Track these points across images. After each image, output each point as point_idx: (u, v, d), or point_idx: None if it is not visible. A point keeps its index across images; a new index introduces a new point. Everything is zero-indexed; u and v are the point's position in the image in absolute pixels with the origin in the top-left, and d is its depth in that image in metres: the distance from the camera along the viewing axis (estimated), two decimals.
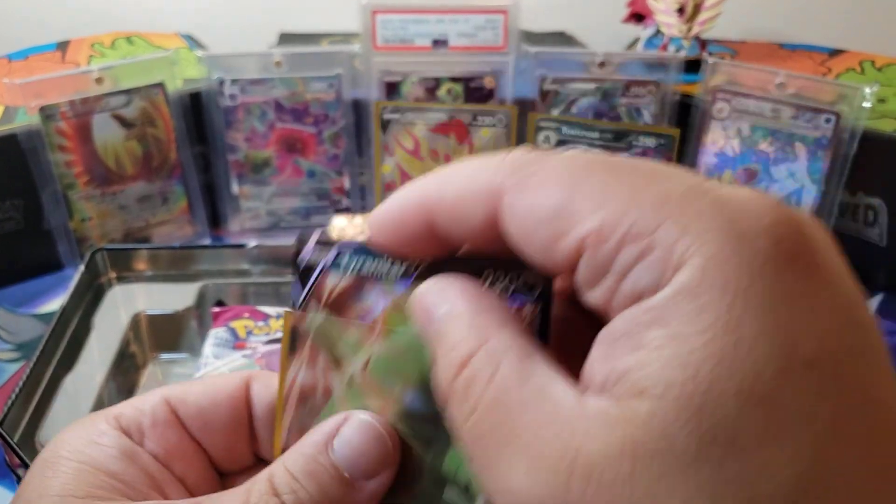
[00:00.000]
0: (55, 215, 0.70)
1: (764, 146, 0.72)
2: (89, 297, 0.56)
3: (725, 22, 0.78)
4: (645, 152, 0.64)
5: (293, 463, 0.25)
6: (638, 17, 0.84)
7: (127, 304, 0.56)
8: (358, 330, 0.26)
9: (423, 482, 0.26)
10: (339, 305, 0.27)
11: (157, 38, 0.89)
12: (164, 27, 0.94)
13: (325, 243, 0.27)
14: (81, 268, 0.55)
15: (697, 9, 0.75)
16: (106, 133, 0.71)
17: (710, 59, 0.72)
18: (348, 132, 0.76)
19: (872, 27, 1.01)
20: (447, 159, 0.68)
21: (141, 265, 0.58)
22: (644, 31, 0.85)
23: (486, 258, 0.25)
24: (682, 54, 0.73)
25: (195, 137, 0.75)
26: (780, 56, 0.85)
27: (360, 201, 0.79)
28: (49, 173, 0.69)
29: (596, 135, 0.64)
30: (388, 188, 0.69)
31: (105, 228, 0.73)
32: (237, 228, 0.78)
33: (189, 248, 0.58)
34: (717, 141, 0.73)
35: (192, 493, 0.28)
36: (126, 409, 0.28)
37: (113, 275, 0.58)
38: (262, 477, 0.25)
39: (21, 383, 0.46)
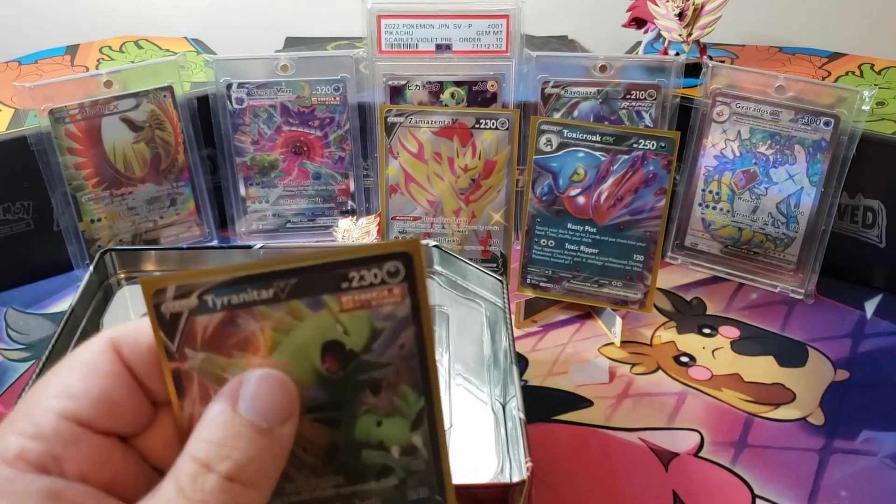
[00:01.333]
0: (65, 217, 0.71)
1: (763, 149, 0.72)
2: (98, 297, 0.57)
3: (725, 26, 0.78)
4: (645, 155, 0.64)
5: (210, 434, 0.26)
6: (639, 21, 0.85)
7: (136, 304, 0.57)
8: (241, 358, 0.28)
9: (342, 455, 0.30)
10: (216, 339, 0.28)
11: (165, 42, 0.90)
12: (173, 31, 0.95)
13: (184, 293, 0.28)
14: (91, 268, 0.56)
15: (697, 13, 0.76)
16: (115, 136, 0.72)
17: (710, 63, 0.73)
18: (353, 135, 0.77)
19: (871, 31, 1.02)
20: (450, 162, 0.69)
21: (149, 266, 0.59)
22: (645, 36, 0.85)
23: (346, 261, 0.28)
24: (683, 58, 0.74)
25: (203, 140, 0.76)
26: (780, 60, 0.85)
27: (365, 203, 0.80)
28: (59, 175, 0.70)
29: (597, 138, 0.65)
30: (392, 190, 0.70)
31: (114, 230, 0.74)
32: (244, 230, 0.79)
33: (196, 248, 0.59)
34: (717, 144, 0.74)
35: (134, 485, 0.27)
36: (20, 442, 0.26)
37: (122, 275, 0.58)
38: (183, 461, 0.25)
39: (31, 382, 0.47)
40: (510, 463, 0.45)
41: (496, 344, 0.54)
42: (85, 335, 0.53)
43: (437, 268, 0.58)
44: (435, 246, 0.58)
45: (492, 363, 0.53)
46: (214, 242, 0.78)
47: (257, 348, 0.29)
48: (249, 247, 0.57)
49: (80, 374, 0.27)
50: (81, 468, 0.26)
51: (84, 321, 0.54)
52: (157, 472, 0.28)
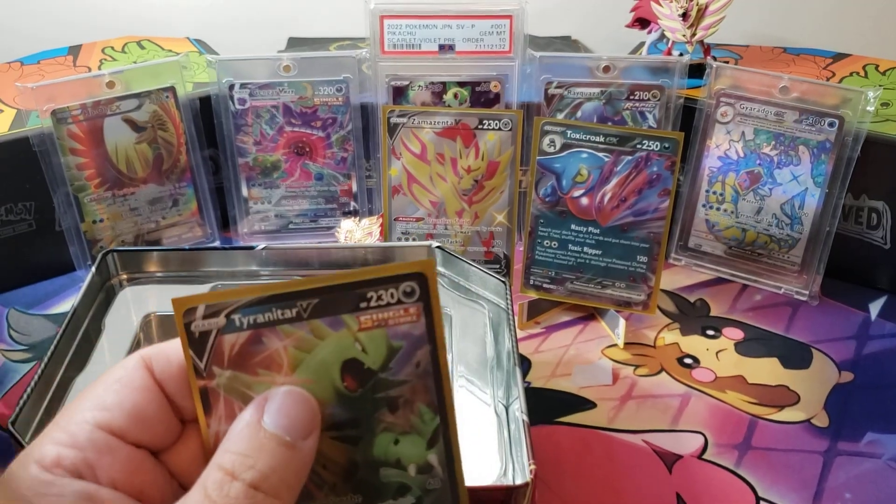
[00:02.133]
0: (67, 217, 0.71)
1: (767, 150, 0.72)
2: (100, 298, 0.56)
3: (729, 26, 0.78)
4: (649, 156, 0.64)
5: (236, 445, 0.27)
6: (642, 22, 0.85)
7: (138, 305, 0.57)
8: (265, 376, 0.30)
9: (360, 472, 0.31)
10: (242, 357, 0.30)
11: (167, 42, 0.90)
12: (175, 32, 0.95)
13: (213, 312, 0.29)
14: (93, 269, 0.56)
15: (701, 13, 0.76)
16: (117, 136, 0.72)
17: (714, 64, 0.73)
18: (356, 136, 0.77)
19: (876, 31, 1.02)
20: (453, 163, 0.69)
21: (151, 267, 0.58)
22: (648, 36, 0.85)
23: (364, 281, 0.29)
24: (686, 59, 0.74)
25: (205, 141, 0.76)
26: (784, 60, 0.85)
27: (368, 204, 0.80)
28: (61, 176, 0.70)
29: (600, 139, 0.65)
30: (395, 191, 0.70)
31: (116, 230, 0.74)
32: (246, 231, 0.79)
33: (199, 249, 0.59)
34: (721, 144, 0.74)
35: (161, 497, 0.29)
36: (57, 449, 0.27)
37: (124, 276, 0.58)
38: (210, 470, 0.27)
39: (33, 383, 0.46)
40: (513, 465, 0.45)
41: (499, 345, 0.53)
42: (87, 336, 0.53)
43: (440, 269, 0.58)
44: (438, 247, 0.57)
45: (494, 365, 0.52)
46: (216, 243, 0.78)
47: (280, 366, 0.30)
48: (252, 247, 0.57)
49: (114, 389, 0.29)
50: (113, 476, 0.28)
51: (86, 322, 0.54)
52: (183, 488, 0.29)
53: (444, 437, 0.32)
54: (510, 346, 0.50)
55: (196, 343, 0.30)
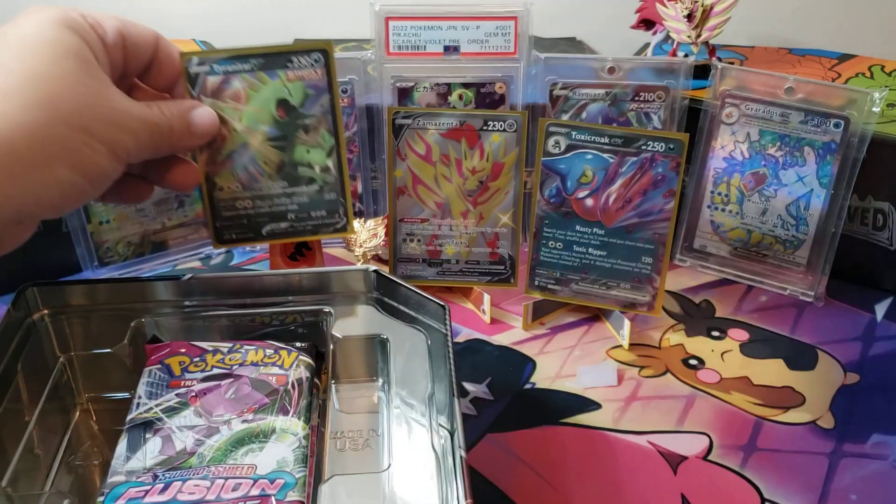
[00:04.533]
0: (73, 218, 0.72)
1: (773, 150, 0.72)
2: (19, 335, 0.51)
3: (734, 27, 0.78)
4: (654, 157, 0.64)
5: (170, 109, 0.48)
6: (647, 23, 0.85)
7: (59, 342, 0.53)
8: (231, 104, 0.52)
9: (286, 168, 0.54)
10: (218, 91, 0.51)
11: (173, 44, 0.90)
12: (180, 34, 0.95)
13: (201, 62, 0.51)
14: (9, 306, 0.51)
15: (706, 15, 0.76)
16: None
17: (719, 65, 0.73)
18: (361, 137, 0.77)
19: (882, 32, 1.02)
20: (458, 164, 0.69)
21: (76, 300, 0.54)
22: (653, 37, 0.85)
23: (291, 51, 0.53)
24: (692, 60, 0.74)
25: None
26: (789, 61, 0.85)
27: (373, 205, 0.80)
28: None
29: (605, 140, 0.65)
30: (400, 192, 0.70)
31: (122, 231, 0.74)
32: None
33: (125, 280, 0.56)
34: (726, 145, 0.74)
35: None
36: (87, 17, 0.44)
37: (45, 311, 0.53)
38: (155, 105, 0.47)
39: None
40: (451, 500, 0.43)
41: (438, 371, 0.50)
42: (5, 374, 0.48)
43: (377, 293, 0.55)
44: (374, 271, 0.54)
45: (434, 391, 0.49)
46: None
47: (240, 98, 0.52)
48: (178, 278, 0.53)
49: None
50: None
51: (4, 361, 0.49)
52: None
53: (337, 151, 0.55)
54: (450, 373, 0.47)
55: (191, 80, 0.51)
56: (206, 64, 0.50)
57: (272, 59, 0.52)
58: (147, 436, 0.45)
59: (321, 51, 0.52)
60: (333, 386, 0.53)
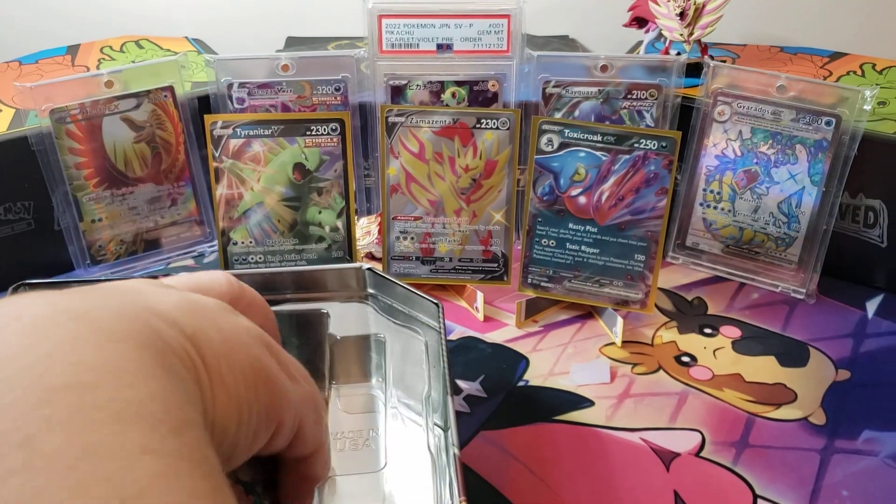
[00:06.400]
0: (66, 217, 0.71)
1: (765, 148, 0.72)
2: None
3: (726, 26, 0.78)
4: (646, 155, 0.64)
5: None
6: (640, 21, 0.85)
7: None
8: (251, 165, 0.58)
9: (298, 227, 0.61)
10: (239, 153, 0.57)
11: (166, 42, 0.90)
12: (173, 31, 0.95)
13: (225, 125, 0.56)
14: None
15: (699, 13, 0.76)
16: (115, 135, 0.72)
17: (712, 63, 0.73)
18: (354, 135, 0.77)
19: (873, 30, 1.02)
20: (451, 162, 0.69)
21: None
22: (646, 35, 0.85)
23: (309, 119, 0.61)
24: (684, 58, 0.74)
25: (204, 140, 0.75)
26: (781, 59, 0.85)
27: (366, 203, 0.80)
28: (59, 175, 0.70)
29: (598, 138, 0.65)
30: (393, 190, 0.70)
31: (115, 230, 0.74)
32: None
33: (113, 280, 0.55)
34: (719, 143, 0.74)
35: None
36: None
37: None
38: None
39: None
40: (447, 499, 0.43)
41: (435, 370, 0.50)
42: None
43: (371, 290, 0.54)
44: (368, 269, 0.54)
45: (430, 391, 0.49)
46: (215, 243, 0.78)
47: (259, 161, 0.57)
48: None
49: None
50: None
51: None
52: None
53: (346, 213, 0.61)
54: (443, 371, 0.47)
55: (215, 141, 0.56)
56: (229, 127, 0.57)
57: (292, 126, 0.57)
58: None
59: (338, 121, 0.60)
60: (333, 386, 0.53)
